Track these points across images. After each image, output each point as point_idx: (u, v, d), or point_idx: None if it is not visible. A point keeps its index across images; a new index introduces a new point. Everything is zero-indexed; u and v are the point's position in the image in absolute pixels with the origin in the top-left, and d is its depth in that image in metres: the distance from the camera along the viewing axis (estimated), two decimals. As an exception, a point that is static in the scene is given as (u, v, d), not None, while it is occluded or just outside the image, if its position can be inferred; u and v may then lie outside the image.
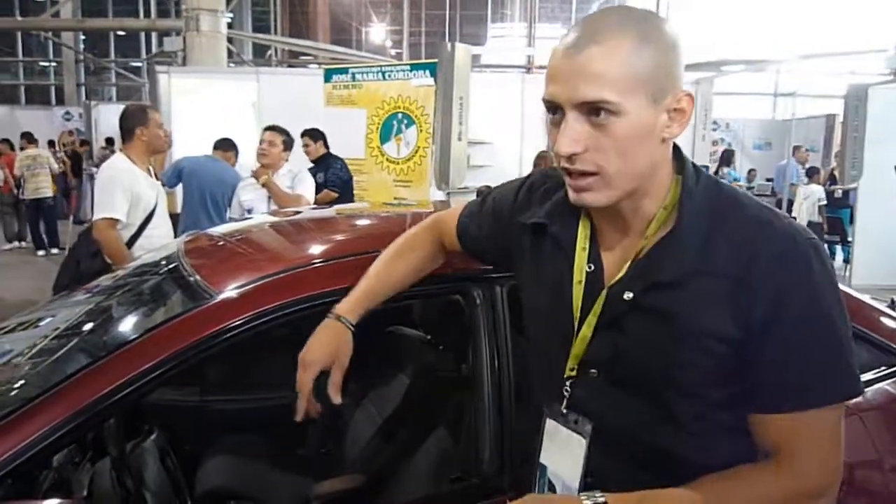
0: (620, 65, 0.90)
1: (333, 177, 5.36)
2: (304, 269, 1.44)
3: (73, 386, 1.27)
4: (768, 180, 13.01)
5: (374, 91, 6.14)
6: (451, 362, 2.01)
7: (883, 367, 1.79)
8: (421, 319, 2.29)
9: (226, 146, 5.10)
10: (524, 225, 1.13)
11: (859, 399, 1.69)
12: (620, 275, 1.00)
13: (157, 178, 3.67)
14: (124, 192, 3.32)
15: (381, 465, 1.94)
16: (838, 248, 9.52)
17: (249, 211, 4.05)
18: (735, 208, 0.97)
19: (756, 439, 0.99)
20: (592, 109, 0.91)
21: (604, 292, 1.01)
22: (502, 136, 8.45)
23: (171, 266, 1.74)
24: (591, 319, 1.01)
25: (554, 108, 0.95)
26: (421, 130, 5.84)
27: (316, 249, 1.65)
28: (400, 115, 5.98)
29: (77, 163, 12.58)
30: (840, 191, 9.08)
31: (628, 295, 0.98)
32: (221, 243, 1.87)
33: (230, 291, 1.39)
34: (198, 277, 1.53)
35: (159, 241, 3.15)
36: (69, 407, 1.23)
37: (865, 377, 1.76)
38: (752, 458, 0.99)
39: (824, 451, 0.97)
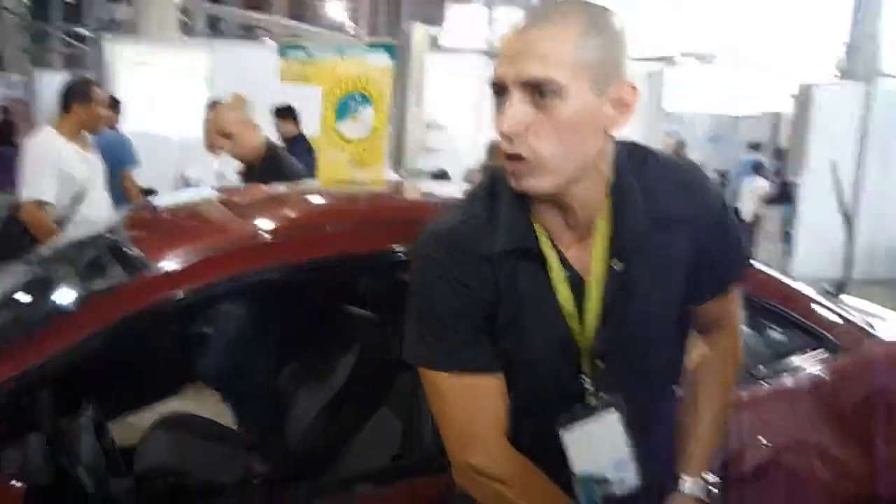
0: (568, 47, 0.93)
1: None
2: (245, 245, 1.42)
3: (2, 358, 1.23)
4: (718, 172, 13.35)
5: (330, 69, 6.04)
6: (398, 343, 2.00)
7: (811, 351, 1.86)
8: (369, 299, 2.28)
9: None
10: (496, 255, 1.03)
11: (789, 382, 1.77)
12: (600, 254, 1.04)
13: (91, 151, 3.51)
14: (53, 172, 3.16)
15: (323, 444, 1.93)
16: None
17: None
18: (651, 157, 1.09)
19: (700, 322, 1.20)
20: (537, 90, 0.94)
21: (600, 278, 1.05)
22: (459, 120, 8.43)
23: (108, 238, 1.70)
24: (593, 308, 1.05)
25: (501, 90, 0.97)
26: (377, 111, 5.78)
27: (260, 225, 1.62)
28: (356, 95, 5.90)
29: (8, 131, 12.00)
30: (784, 186, 9.36)
31: (618, 265, 1.04)
32: (163, 216, 1.83)
33: (168, 264, 1.37)
34: (136, 250, 1.49)
35: (96, 218, 3.03)
36: (-3, 379, 1.19)
37: (797, 360, 1.83)
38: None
39: (738, 313, 1.25)
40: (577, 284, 1.05)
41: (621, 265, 1.04)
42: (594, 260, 1.05)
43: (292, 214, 1.74)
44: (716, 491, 1.18)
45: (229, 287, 1.35)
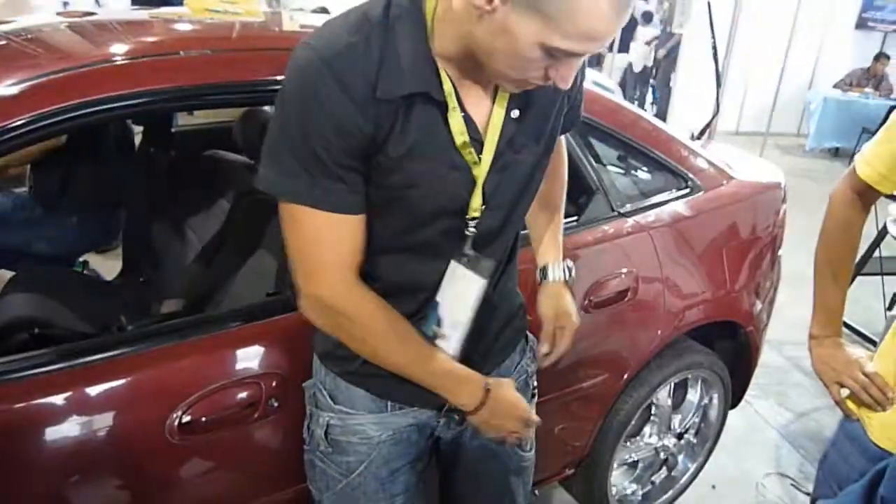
0: None
1: None
2: (90, 69, 1.27)
3: None
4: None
5: None
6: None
7: (674, 189, 1.96)
8: (242, 142, 2.17)
9: None
10: (395, 100, 0.94)
11: (651, 218, 1.87)
12: (504, 100, 1.02)
13: None
14: None
15: (199, 287, 1.90)
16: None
17: None
18: None
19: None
20: None
21: (498, 126, 1.03)
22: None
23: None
24: (487, 157, 1.02)
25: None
26: (249, -63, 5.24)
27: (110, 49, 1.45)
28: (225, -83, 5.30)
29: None
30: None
31: (515, 113, 1.03)
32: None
33: (2, 90, 1.21)
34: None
35: None
36: None
37: (661, 198, 1.93)
38: None
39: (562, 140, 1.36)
40: (474, 129, 1.01)
41: (518, 112, 1.04)
42: (496, 106, 1.02)
43: (148, 39, 1.56)
44: (573, 272, 1.30)
45: (77, 116, 1.22)
